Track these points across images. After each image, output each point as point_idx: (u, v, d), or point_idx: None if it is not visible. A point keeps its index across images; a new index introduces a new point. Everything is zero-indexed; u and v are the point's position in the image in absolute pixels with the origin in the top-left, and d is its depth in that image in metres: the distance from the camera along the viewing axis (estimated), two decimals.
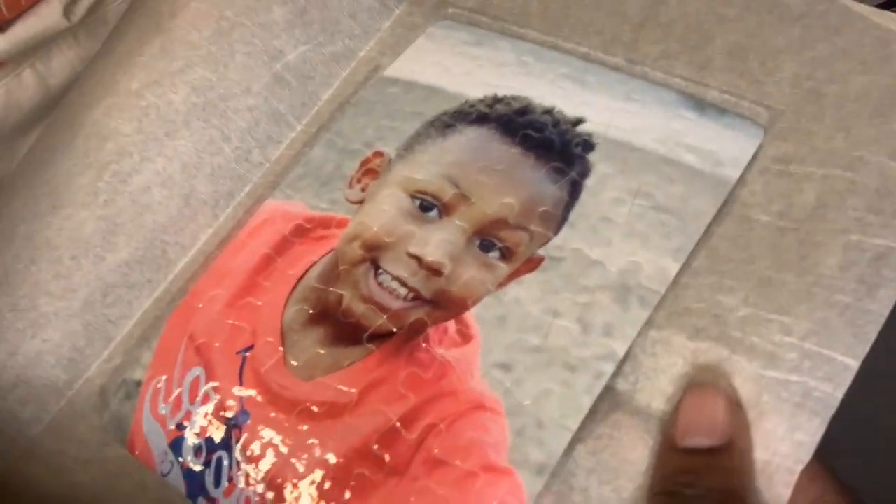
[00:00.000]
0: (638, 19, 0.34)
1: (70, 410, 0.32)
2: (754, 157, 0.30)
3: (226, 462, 0.29)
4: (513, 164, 0.32)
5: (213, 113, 0.36)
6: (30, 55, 0.40)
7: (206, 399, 0.31)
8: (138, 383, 0.32)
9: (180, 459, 0.30)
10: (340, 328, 0.30)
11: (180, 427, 0.30)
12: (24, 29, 0.39)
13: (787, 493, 0.23)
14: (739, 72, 0.33)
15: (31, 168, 0.36)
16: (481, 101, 0.34)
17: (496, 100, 0.34)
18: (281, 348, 0.31)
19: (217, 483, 0.29)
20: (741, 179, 0.30)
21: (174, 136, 0.35)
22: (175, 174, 0.35)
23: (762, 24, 0.33)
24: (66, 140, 0.36)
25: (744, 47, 0.33)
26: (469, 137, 0.33)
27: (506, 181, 0.32)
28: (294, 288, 0.32)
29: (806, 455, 0.24)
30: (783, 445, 0.24)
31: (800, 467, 0.24)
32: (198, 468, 0.30)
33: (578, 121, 0.33)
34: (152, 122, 0.35)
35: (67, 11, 0.40)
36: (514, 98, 0.34)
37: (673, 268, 0.29)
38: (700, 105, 0.32)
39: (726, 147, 0.31)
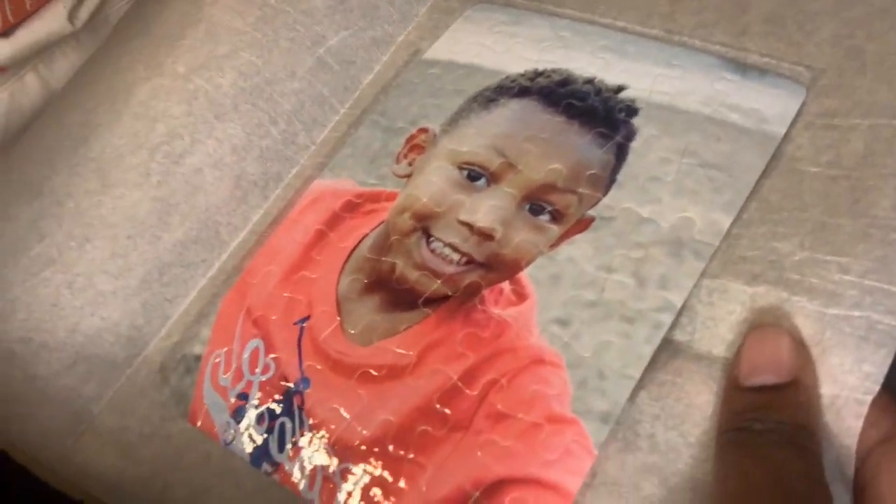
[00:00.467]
0: None
1: (130, 387, 0.33)
2: (798, 113, 0.31)
3: (289, 427, 0.30)
4: (557, 132, 0.32)
5: (259, 96, 0.36)
6: (32, 59, 0.41)
7: (266, 369, 0.31)
8: (197, 358, 0.32)
9: (243, 428, 0.30)
10: (395, 295, 0.31)
11: (241, 397, 0.31)
12: (29, 34, 0.39)
13: (857, 424, 0.24)
14: (777, 36, 0.33)
15: (69, 142, 0.37)
16: (522, 75, 0.35)
17: (537, 73, 0.35)
18: (338, 317, 0.31)
19: (281, 448, 0.29)
20: (787, 135, 0.30)
21: (223, 118, 0.36)
22: (226, 156, 0.35)
23: None
24: (111, 118, 0.36)
25: (780, 14, 0.33)
26: (512, 110, 0.34)
27: (551, 148, 0.32)
28: (347, 260, 0.32)
29: (874, 385, 0.24)
30: (850, 378, 0.24)
31: (869, 398, 0.24)
32: (261, 435, 0.30)
33: (620, 88, 0.33)
34: (201, 105, 0.36)
35: (72, 16, 0.41)
36: (554, 71, 0.35)
37: (725, 221, 0.29)
38: (741, 68, 0.33)
39: (770, 105, 0.31)
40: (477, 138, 0.33)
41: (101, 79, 0.39)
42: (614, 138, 0.32)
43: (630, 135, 0.32)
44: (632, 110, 0.32)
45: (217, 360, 0.32)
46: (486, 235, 0.31)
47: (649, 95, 0.33)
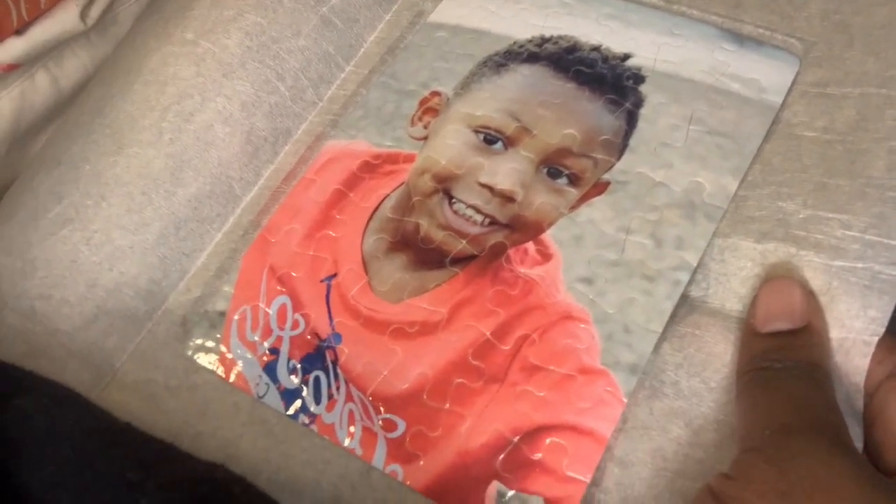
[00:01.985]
0: None
1: (152, 340, 0.33)
2: (794, 82, 0.33)
3: (324, 380, 0.31)
4: (569, 98, 0.34)
5: (266, 54, 0.37)
6: (43, 57, 0.41)
7: (295, 325, 0.32)
8: (222, 313, 0.33)
9: (277, 381, 0.31)
10: (422, 254, 0.32)
11: (273, 352, 0.32)
12: (42, 32, 0.39)
13: (864, 363, 0.26)
14: (770, 8, 0.35)
15: (86, 116, 0.37)
16: (529, 41, 0.36)
17: (544, 40, 0.36)
18: (365, 275, 0.32)
19: (318, 401, 0.31)
20: (784, 103, 0.32)
21: (231, 76, 0.36)
22: (235, 112, 0.36)
23: None
24: (123, 87, 0.36)
25: None
26: (524, 75, 0.35)
27: (565, 114, 0.34)
28: (370, 220, 0.33)
29: (880, 327, 0.27)
30: (857, 322, 0.27)
31: (875, 339, 0.26)
32: (296, 388, 0.31)
33: (626, 56, 0.35)
34: (209, 66, 0.36)
35: (84, 14, 0.40)
36: (561, 37, 0.36)
37: (732, 184, 0.31)
38: (738, 38, 0.35)
39: (767, 75, 0.33)
40: (491, 102, 0.34)
41: (119, 58, 0.38)
42: (624, 105, 0.33)
43: (638, 102, 0.34)
44: (639, 78, 0.34)
45: (243, 315, 0.33)
46: (507, 197, 0.32)
47: (654, 64, 0.34)
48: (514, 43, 0.36)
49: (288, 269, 0.33)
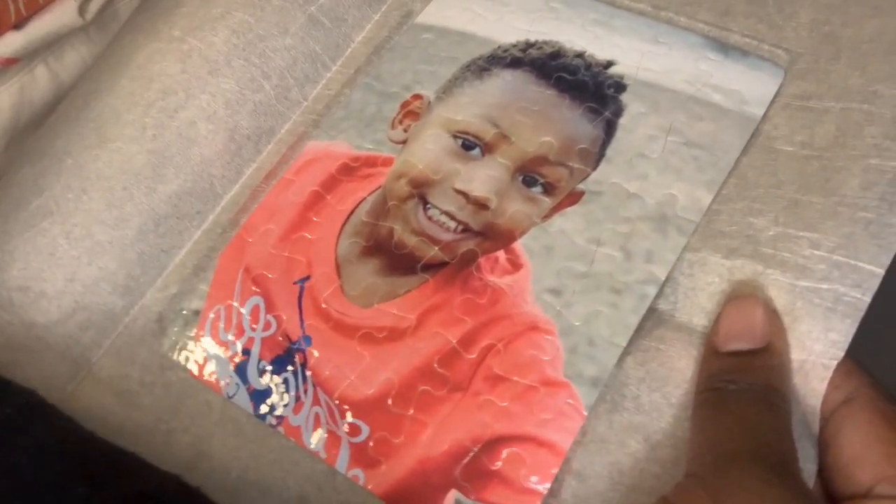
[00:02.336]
0: None
1: (129, 336, 0.34)
2: (777, 94, 0.33)
3: (292, 382, 0.31)
4: (549, 105, 0.34)
5: (252, 52, 0.37)
6: (42, 52, 0.41)
7: (267, 326, 0.32)
8: (196, 312, 0.34)
9: (247, 382, 0.32)
10: (395, 259, 0.32)
11: (244, 352, 0.32)
12: (40, 26, 0.40)
13: (822, 387, 0.26)
14: (759, 17, 0.35)
15: (73, 110, 0.37)
16: (514, 45, 0.36)
17: (528, 45, 0.36)
18: (338, 279, 0.32)
19: (285, 403, 0.31)
20: (765, 115, 0.32)
21: (217, 74, 0.36)
22: (219, 109, 0.36)
23: None
24: (110, 82, 0.37)
25: None
26: (505, 80, 0.35)
27: (543, 121, 0.33)
28: (345, 223, 0.34)
29: (839, 351, 0.26)
30: (817, 345, 0.27)
31: (834, 363, 0.26)
32: (264, 389, 0.31)
33: (609, 63, 0.35)
34: (195, 63, 0.36)
35: (82, 9, 0.41)
36: (545, 43, 0.36)
37: (706, 198, 0.31)
38: (724, 48, 0.34)
39: (750, 87, 0.33)
40: (471, 107, 0.34)
41: (108, 53, 0.39)
42: (603, 114, 0.33)
43: (618, 111, 0.33)
44: (620, 86, 0.34)
45: (217, 314, 0.33)
46: (481, 205, 0.32)
47: (637, 72, 0.34)
48: (499, 47, 0.36)
49: (263, 270, 0.33)
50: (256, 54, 0.37)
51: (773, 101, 0.32)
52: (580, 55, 0.35)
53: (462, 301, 0.31)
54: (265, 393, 0.31)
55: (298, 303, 0.32)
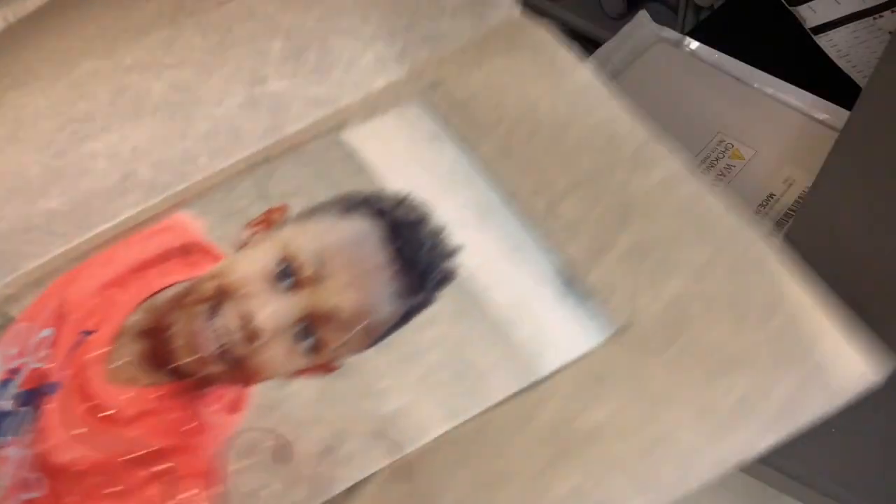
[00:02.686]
0: (565, 187, 0.34)
1: None
2: (578, 358, 0.30)
3: (28, 418, 0.33)
4: (375, 267, 0.33)
5: (180, 111, 0.39)
6: None
7: (41, 359, 0.35)
8: (10, 319, 0.36)
9: (1, 400, 0.34)
10: (157, 350, 0.33)
11: (13, 372, 0.35)
12: None
13: None
14: (628, 272, 0.32)
15: (9, 81, 0.40)
16: (390, 196, 0.35)
17: (400, 201, 0.35)
18: (110, 345, 0.34)
19: (17, 432, 0.33)
20: (552, 375, 0.30)
21: (138, 119, 0.39)
22: (124, 152, 0.38)
23: (679, 236, 0.33)
24: (51, 77, 0.39)
25: (642, 250, 0.32)
26: (359, 227, 0.35)
27: (359, 280, 0.33)
28: (149, 297, 0.35)
29: None
30: None
31: None
32: (9, 413, 0.34)
33: (454, 251, 0.33)
34: (125, 101, 0.39)
35: None
36: (417, 206, 0.35)
37: (438, 428, 0.29)
38: (572, 288, 0.32)
39: (561, 337, 0.31)
40: (315, 239, 0.35)
41: (71, 21, 0.41)
42: (411, 300, 0.32)
43: (426, 302, 0.32)
44: (445, 280, 0.33)
45: (19, 328, 0.36)
46: (252, 336, 0.32)
47: (473, 272, 0.33)
48: (381, 191, 0.36)
49: (69, 308, 0.36)
50: (183, 114, 0.39)
51: (569, 365, 0.30)
52: (438, 231, 0.34)
53: (174, 418, 0.31)
54: (10, 418, 0.34)
55: (70, 351, 0.34)
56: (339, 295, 0.33)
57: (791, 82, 0.49)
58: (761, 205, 0.44)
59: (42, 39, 0.42)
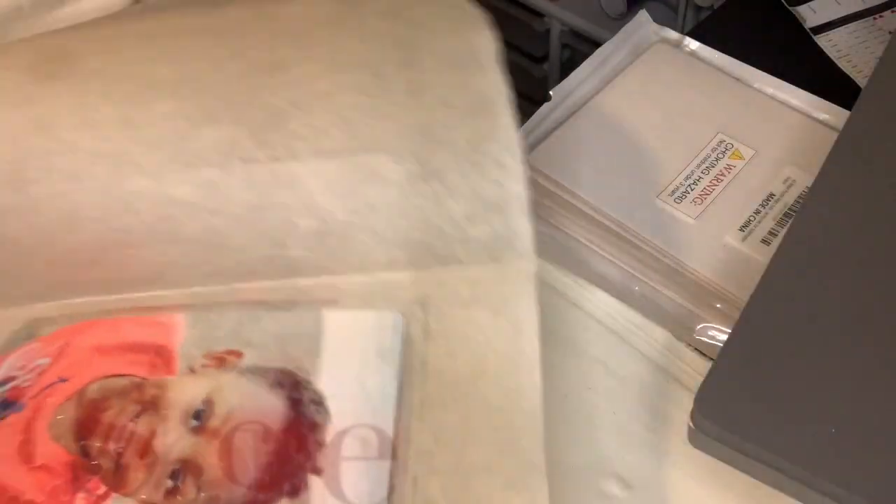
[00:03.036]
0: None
1: None
2: None
3: None
4: (256, 450, 0.34)
5: (211, 249, 0.39)
6: None
7: (27, 380, 0.36)
8: (33, 338, 0.38)
9: None
10: (84, 423, 0.34)
11: (8, 380, 0.36)
12: None
13: None
14: None
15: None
16: (312, 391, 0.36)
17: (316, 401, 0.35)
18: (65, 400, 0.35)
19: None
20: None
21: (173, 243, 0.38)
22: (158, 260, 0.39)
23: None
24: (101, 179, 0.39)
25: None
26: (271, 405, 0.35)
27: (239, 454, 0.34)
28: (111, 376, 0.36)
29: None
30: None
31: None
32: None
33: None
34: (164, 227, 0.38)
35: None
36: (321, 413, 0.35)
37: None
38: None
39: None
40: (235, 396, 0.36)
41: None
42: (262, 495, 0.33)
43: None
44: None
45: (32, 347, 0.37)
46: (142, 452, 0.34)
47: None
48: (309, 383, 0.36)
49: (69, 352, 0.37)
50: (213, 251, 0.39)
51: None
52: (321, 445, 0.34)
53: (55, 485, 0.33)
54: None
55: (45, 387, 0.35)
56: (217, 457, 0.33)
57: (791, 82, 0.49)
58: (761, 205, 0.44)
59: (98, 142, 0.41)
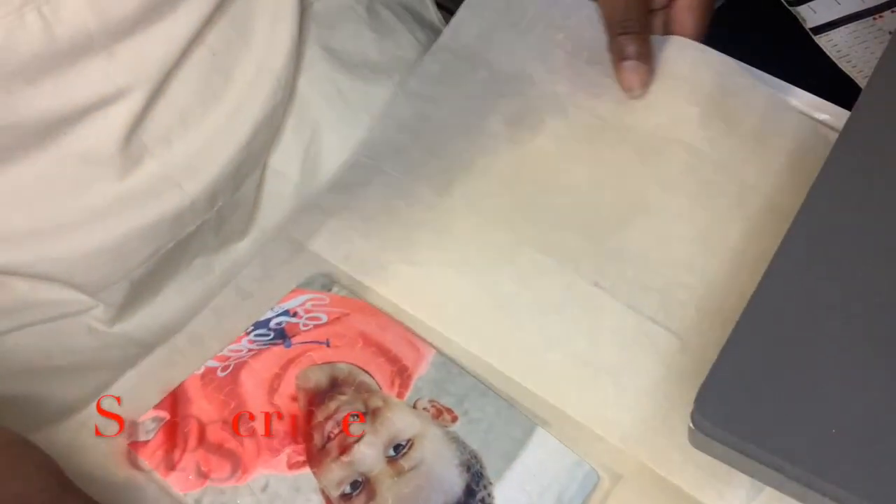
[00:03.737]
0: None
1: None
2: None
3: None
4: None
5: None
6: None
7: (308, 322, 0.42)
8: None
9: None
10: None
11: (292, 314, 0.42)
12: None
13: None
14: None
15: None
16: (481, 487, 0.38)
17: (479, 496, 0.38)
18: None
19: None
20: None
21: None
22: None
23: None
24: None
25: None
26: (448, 481, 0.38)
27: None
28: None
29: None
30: None
31: None
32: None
33: None
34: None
35: None
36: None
37: None
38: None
39: None
40: (435, 453, 0.39)
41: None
42: None
43: None
44: None
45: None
46: (343, 448, 0.38)
47: None
48: (485, 478, 0.38)
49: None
50: None
51: None
52: None
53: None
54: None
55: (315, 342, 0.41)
56: (392, 493, 0.36)
57: (791, 82, 0.49)
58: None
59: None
